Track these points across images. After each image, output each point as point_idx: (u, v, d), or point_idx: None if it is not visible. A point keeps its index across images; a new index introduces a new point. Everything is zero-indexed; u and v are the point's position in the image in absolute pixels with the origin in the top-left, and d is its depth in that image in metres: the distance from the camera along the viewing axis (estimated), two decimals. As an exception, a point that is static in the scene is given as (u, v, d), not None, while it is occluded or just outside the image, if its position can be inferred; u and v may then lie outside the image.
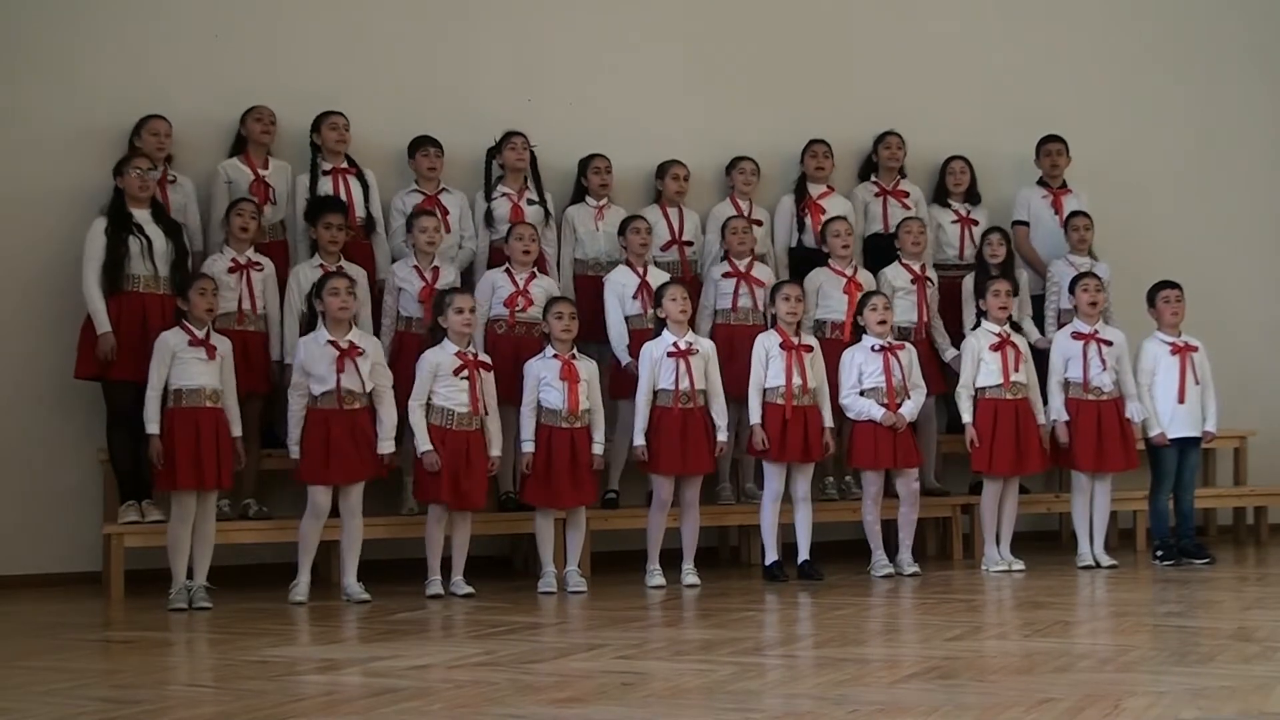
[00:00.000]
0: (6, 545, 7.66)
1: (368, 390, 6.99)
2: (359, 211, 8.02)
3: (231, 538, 7.34)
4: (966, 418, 7.88)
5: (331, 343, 6.96)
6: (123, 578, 7.18)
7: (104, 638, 6.29)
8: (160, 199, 7.56)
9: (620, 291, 8.00)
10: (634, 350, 7.69)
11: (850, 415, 7.75)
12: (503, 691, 4.72)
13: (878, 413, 7.64)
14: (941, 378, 8.42)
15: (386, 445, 7.04)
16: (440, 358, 7.07)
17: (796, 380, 7.55)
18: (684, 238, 8.52)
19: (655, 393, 7.40)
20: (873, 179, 9.10)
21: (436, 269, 7.73)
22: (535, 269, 7.87)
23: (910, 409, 7.71)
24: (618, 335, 7.97)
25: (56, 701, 4.61)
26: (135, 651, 5.84)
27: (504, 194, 8.24)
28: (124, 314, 7.23)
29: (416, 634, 6.15)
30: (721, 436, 7.50)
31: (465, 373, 7.05)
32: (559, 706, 4.48)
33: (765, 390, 7.57)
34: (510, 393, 7.37)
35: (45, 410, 7.73)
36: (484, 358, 7.21)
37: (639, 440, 7.39)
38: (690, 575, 7.44)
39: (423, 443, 7.01)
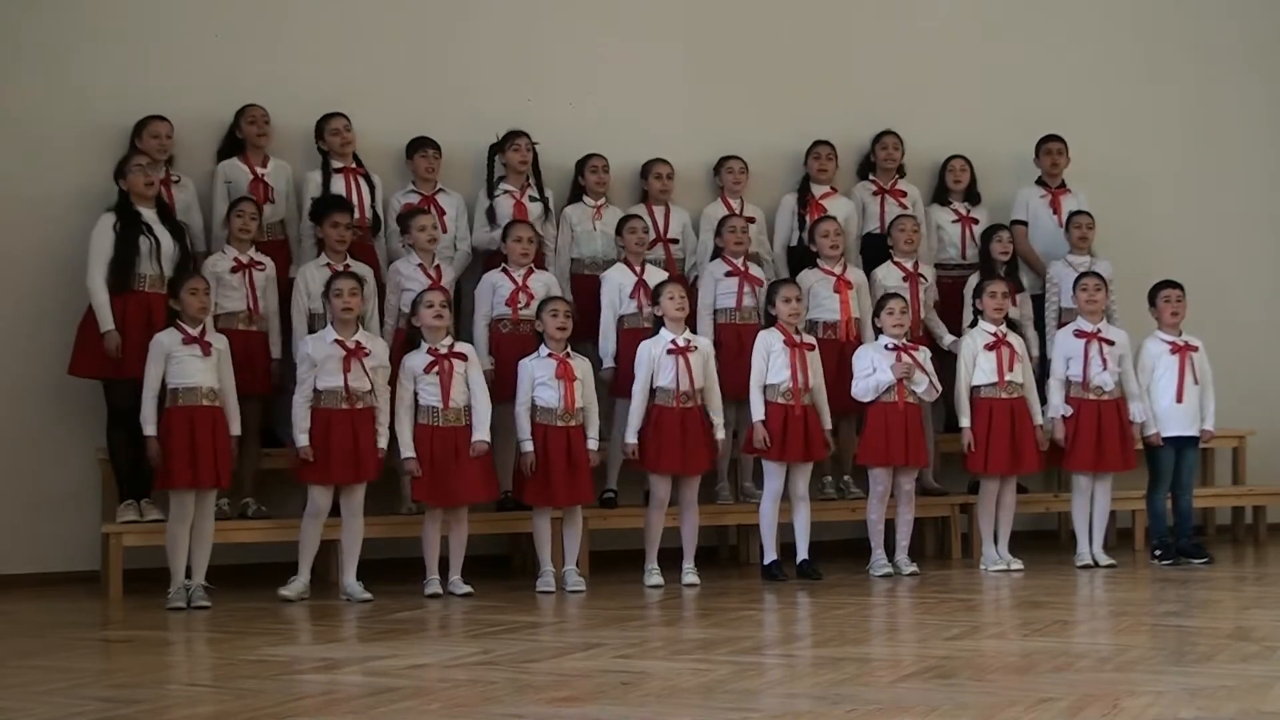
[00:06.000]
0: (5, 544, 7.65)
1: (370, 390, 6.99)
2: (367, 212, 8.02)
3: (231, 537, 7.33)
4: (964, 422, 7.88)
5: (338, 342, 6.97)
6: (121, 577, 7.17)
7: (102, 637, 6.30)
8: (166, 199, 7.55)
9: (617, 290, 7.98)
10: (629, 350, 7.64)
11: (864, 399, 7.68)
12: (501, 691, 4.73)
13: (885, 376, 7.61)
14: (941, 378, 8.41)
15: (384, 440, 7.04)
16: (415, 361, 7.07)
17: (800, 377, 7.55)
18: (670, 235, 8.52)
19: (655, 391, 7.39)
20: (870, 178, 9.10)
21: (439, 267, 7.73)
22: (533, 265, 7.85)
23: (921, 378, 7.67)
24: (605, 335, 7.93)
25: (55, 701, 4.61)
26: (134, 651, 5.85)
27: (506, 192, 8.24)
28: (130, 313, 7.21)
29: (415, 633, 6.16)
30: (719, 434, 7.50)
31: (436, 369, 7.04)
32: (557, 706, 4.48)
33: (766, 388, 7.56)
34: (511, 392, 7.34)
35: (44, 409, 7.72)
36: (460, 348, 7.17)
37: (630, 438, 7.39)
38: (689, 574, 7.44)
39: (405, 448, 7.01)
